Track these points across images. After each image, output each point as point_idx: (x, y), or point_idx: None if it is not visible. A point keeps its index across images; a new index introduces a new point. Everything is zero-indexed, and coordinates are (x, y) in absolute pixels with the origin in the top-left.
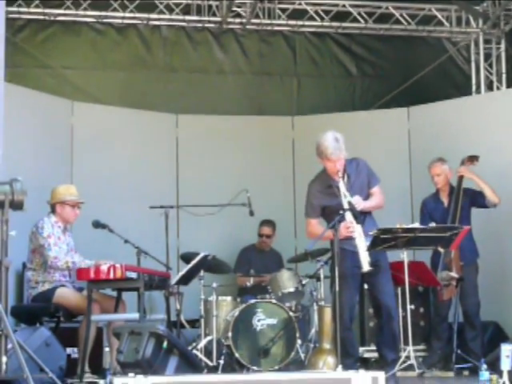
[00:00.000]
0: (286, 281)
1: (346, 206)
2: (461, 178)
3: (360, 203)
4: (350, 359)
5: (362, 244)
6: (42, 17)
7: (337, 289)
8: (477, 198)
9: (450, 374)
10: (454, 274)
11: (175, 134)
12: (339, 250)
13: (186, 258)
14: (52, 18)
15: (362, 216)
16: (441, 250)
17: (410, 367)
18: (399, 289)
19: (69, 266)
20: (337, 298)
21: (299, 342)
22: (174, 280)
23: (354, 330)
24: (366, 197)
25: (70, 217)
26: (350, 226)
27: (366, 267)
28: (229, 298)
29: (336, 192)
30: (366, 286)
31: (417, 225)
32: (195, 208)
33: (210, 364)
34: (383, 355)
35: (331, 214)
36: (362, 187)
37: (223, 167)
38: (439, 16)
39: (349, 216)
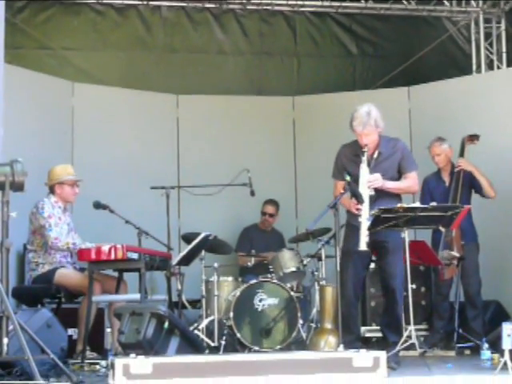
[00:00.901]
0: (288, 261)
1: (362, 183)
2: (460, 170)
3: (378, 181)
4: (351, 336)
5: (364, 223)
6: None
7: (338, 268)
8: (475, 184)
9: (452, 353)
10: (455, 253)
11: (176, 115)
12: (339, 227)
13: (187, 238)
14: None
15: (374, 195)
16: (442, 229)
17: (412, 346)
18: None
19: (69, 247)
20: (338, 276)
21: (301, 321)
22: (175, 260)
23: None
24: (391, 179)
25: (69, 196)
26: (359, 203)
27: (362, 246)
28: (230, 278)
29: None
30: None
31: (417, 204)
32: (196, 188)
33: (212, 344)
34: (385, 336)
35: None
36: (389, 168)
37: (224, 147)
38: None
39: (364, 191)
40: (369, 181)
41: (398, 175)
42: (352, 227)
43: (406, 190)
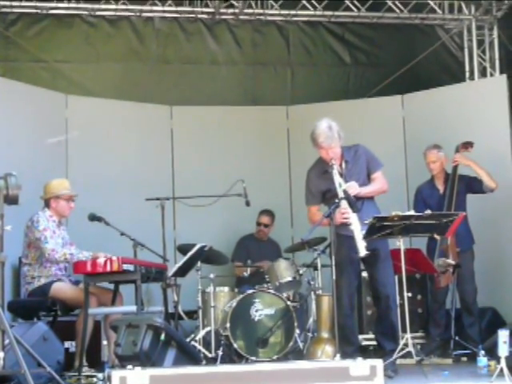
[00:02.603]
0: (284, 270)
1: (340, 194)
2: (456, 165)
3: (355, 189)
4: (350, 347)
5: (357, 230)
6: (34, 10)
7: (333, 277)
8: (473, 185)
9: (449, 360)
10: (450, 261)
11: (170, 126)
12: (335, 238)
13: (183, 249)
14: (44, 12)
15: (359, 202)
16: (437, 236)
17: (409, 354)
18: (396, 276)
19: (67, 257)
20: (334, 286)
21: (297, 331)
22: (171, 272)
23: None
24: (364, 183)
25: (64, 210)
26: (345, 213)
27: (362, 252)
28: (226, 289)
29: (332, 177)
30: (364, 274)
31: (412, 212)
32: (191, 199)
33: (209, 355)
34: (381, 345)
35: (332, 198)
36: (360, 174)
37: (218, 158)
38: (431, 3)
39: (344, 204)
40: (349, 189)
41: (368, 179)
42: (339, 237)
43: (379, 191)
